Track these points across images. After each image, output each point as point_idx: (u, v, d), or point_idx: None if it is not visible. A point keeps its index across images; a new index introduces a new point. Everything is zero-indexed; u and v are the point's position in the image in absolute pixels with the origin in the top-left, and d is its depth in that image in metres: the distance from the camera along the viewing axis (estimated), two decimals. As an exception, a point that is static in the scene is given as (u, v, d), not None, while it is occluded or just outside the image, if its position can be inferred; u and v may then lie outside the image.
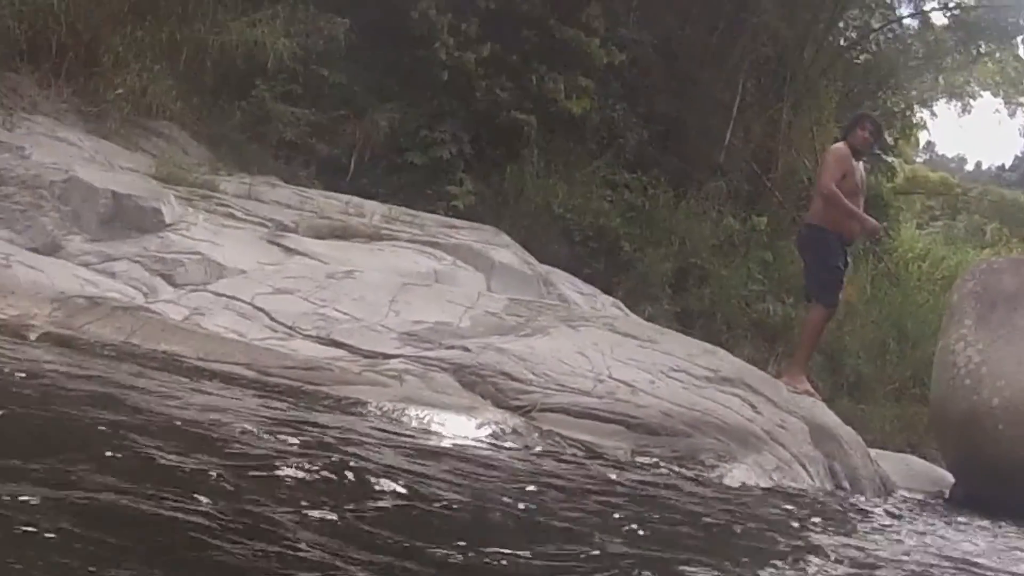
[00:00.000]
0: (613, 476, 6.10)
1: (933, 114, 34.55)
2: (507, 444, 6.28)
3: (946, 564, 5.45)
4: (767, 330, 19.38)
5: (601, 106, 19.26)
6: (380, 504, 3.82)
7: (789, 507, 6.70)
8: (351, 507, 3.66)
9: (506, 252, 12.87)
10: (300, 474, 4.00)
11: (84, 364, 6.12)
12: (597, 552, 3.88)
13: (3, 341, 6.47)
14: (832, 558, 4.90)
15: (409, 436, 5.79)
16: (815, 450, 8.72)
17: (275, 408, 5.75)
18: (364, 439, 5.27)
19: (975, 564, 5.72)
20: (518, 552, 3.58)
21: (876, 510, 7.95)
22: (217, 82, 15.71)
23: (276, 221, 11.75)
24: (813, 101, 25.64)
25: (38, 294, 7.88)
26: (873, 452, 11.05)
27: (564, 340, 8.83)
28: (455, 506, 4.07)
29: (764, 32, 23.42)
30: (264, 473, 3.92)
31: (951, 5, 29.70)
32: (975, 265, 13.57)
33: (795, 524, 5.88)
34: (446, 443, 5.81)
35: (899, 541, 6.21)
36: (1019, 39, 30.29)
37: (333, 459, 4.42)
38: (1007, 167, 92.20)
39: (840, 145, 11.14)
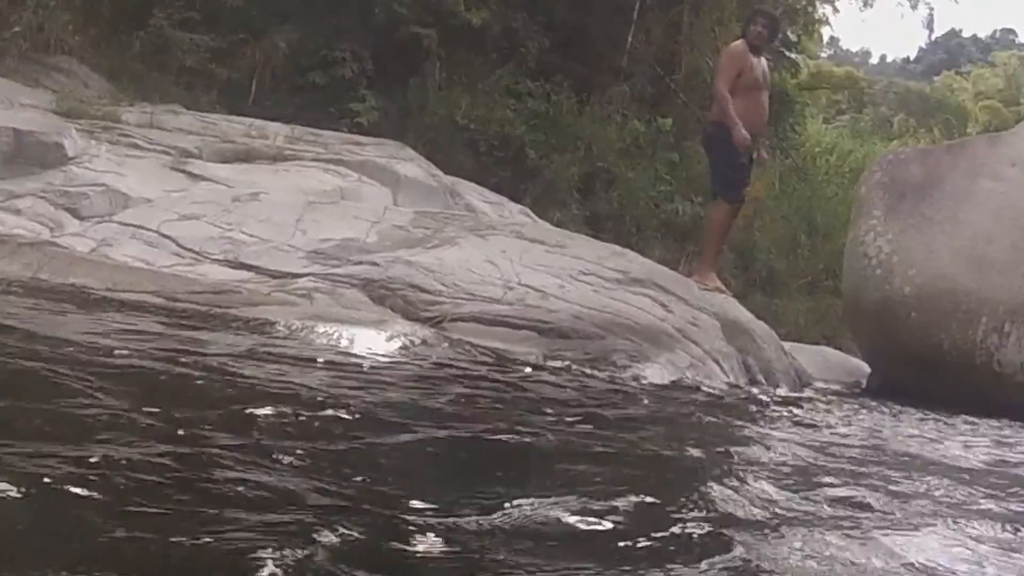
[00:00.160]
0: (521, 379, 6.17)
1: (835, 9, 34.44)
2: (417, 355, 6.34)
3: (849, 448, 5.56)
4: (677, 230, 19.44)
5: (501, 16, 19.14)
6: (272, 416, 3.84)
7: (701, 401, 6.81)
8: (245, 425, 3.68)
9: (411, 166, 12.88)
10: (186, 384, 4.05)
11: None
12: (501, 456, 3.93)
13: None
14: (741, 450, 5.00)
15: (317, 351, 5.84)
16: (728, 346, 8.84)
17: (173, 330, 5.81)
18: (263, 356, 5.32)
19: (880, 448, 5.85)
20: (417, 461, 3.64)
21: (790, 402, 8.07)
22: (114, 13, 15.61)
23: (180, 148, 11.71)
24: (714, 1, 25.65)
25: (-58, 235, 7.86)
26: (788, 345, 11.20)
27: (472, 249, 8.90)
28: (348, 414, 4.10)
29: (662, -68, 23.34)
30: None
31: None
32: (882, 157, 13.72)
33: (707, 418, 5.96)
34: (353, 358, 5.85)
35: (811, 429, 6.32)
36: (922, -70, 30.42)
37: (223, 376, 4.48)
38: (911, 59, 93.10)
39: (736, 44, 11.20)
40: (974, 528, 3.64)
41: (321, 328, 6.35)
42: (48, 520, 2.42)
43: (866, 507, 3.72)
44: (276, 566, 2.25)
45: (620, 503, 3.16)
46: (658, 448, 4.54)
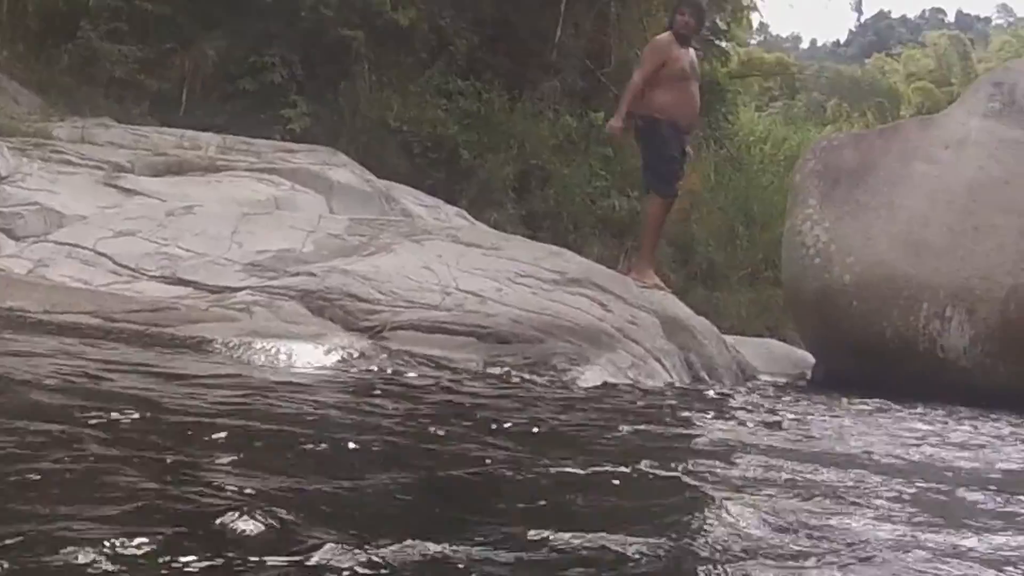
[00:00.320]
0: (457, 389, 6.20)
1: (764, -6, 34.72)
2: (355, 368, 6.37)
3: (794, 445, 5.60)
4: (614, 226, 19.50)
5: (429, 14, 19.14)
6: (212, 441, 3.85)
7: (641, 402, 6.85)
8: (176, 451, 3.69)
9: (344, 171, 12.88)
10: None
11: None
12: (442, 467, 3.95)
13: None
14: (681, 448, 5.04)
15: (254, 370, 5.87)
16: (669, 343, 8.86)
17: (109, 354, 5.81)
18: (199, 379, 5.34)
19: (814, 440, 5.91)
20: (359, 475, 3.65)
21: (732, 398, 8.12)
22: (41, 26, 15.56)
23: (112, 163, 11.67)
24: (642, -9, 25.72)
25: None
26: (732, 339, 11.26)
27: (408, 256, 8.90)
28: (286, 435, 4.11)
29: (585, -77, 23.38)
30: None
31: None
32: (816, 144, 13.78)
33: (646, 417, 6.00)
34: (290, 375, 5.88)
35: (747, 425, 6.36)
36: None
37: (162, 403, 4.49)
38: (842, 42, 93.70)
39: (662, 36, 11.21)
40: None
41: (258, 344, 6.38)
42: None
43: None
44: None
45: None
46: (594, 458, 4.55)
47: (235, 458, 3.51)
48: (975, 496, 4.29)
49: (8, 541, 2.41)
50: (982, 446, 6.29)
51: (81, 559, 2.34)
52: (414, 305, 7.82)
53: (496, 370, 7.07)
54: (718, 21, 29.72)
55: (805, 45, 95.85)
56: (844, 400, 8.84)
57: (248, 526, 2.65)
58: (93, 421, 3.84)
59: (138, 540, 2.46)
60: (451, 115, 18.56)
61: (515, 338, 7.58)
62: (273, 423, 4.27)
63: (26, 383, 4.54)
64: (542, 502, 3.49)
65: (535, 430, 4.97)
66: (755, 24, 42.15)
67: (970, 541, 3.45)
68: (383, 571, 2.50)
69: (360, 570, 2.47)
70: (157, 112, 15.62)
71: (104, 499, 2.87)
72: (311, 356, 6.40)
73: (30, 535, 2.47)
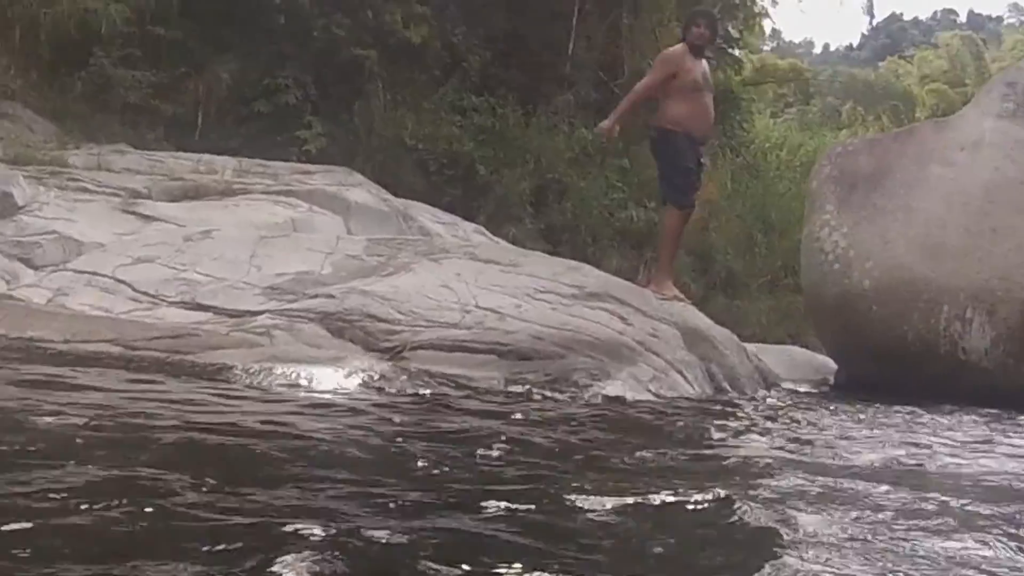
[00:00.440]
0: (479, 408, 6.17)
1: (774, 1, 34.68)
2: (375, 390, 6.36)
3: (814, 452, 5.57)
4: (633, 237, 19.50)
5: (441, 31, 19.20)
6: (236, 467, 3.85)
7: (663, 416, 6.80)
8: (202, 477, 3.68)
9: (361, 191, 12.88)
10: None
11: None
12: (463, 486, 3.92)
13: None
14: (707, 461, 5.01)
15: (275, 395, 5.87)
16: (690, 354, 8.81)
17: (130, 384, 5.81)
18: (221, 404, 5.34)
19: (835, 447, 5.87)
20: (387, 493, 3.63)
21: (756, 408, 8.07)
22: (54, 54, 15.58)
23: (129, 189, 11.69)
24: (653, 2, 25.68)
25: None
26: (753, 347, 11.20)
27: (427, 274, 8.89)
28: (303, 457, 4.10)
29: (597, -65, 23.39)
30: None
31: None
32: (831, 149, 13.73)
33: (670, 433, 5.97)
34: (311, 400, 5.87)
35: (780, 439, 6.32)
36: (853, -88, 30.58)
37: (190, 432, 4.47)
38: (855, 46, 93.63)
39: (675, 47, 11.17)
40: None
41: (279, 369, 6.37)
42: None
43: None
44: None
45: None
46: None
47: (264, 493, 3.50)
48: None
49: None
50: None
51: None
52: (434, 324, 7.79)
53: (517, 388, 7.02)
54: (731, 29, 29.73)
55: (818, 50, 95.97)
56: (869, 408, 8.78)
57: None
58: (121, 459, 3.83)
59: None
60: (466, 131, 18.59)
61: (536, 354, 7.54)
62: (298, 451, 4.25)
63: (55, 415, 4.53)
64: (590, 538, 3.43)
65: (557, 450, 4.94)
66: (767, 31, 42.15)
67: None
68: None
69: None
70: (172, 137, 15.65)
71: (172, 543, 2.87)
72: (331, 380, 6.37)
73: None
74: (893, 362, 10.88)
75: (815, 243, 11.79)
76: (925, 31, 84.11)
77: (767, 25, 38.40)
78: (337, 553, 2.72)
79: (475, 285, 8.65)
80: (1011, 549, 3.43)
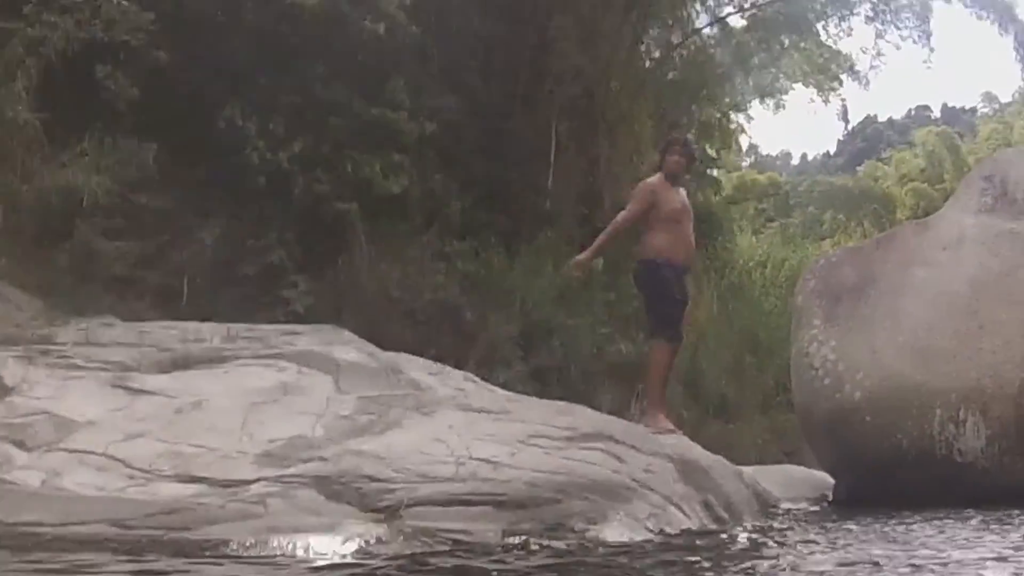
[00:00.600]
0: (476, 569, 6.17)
1: (749, 117, 35.07)
2: (373, 554, 6.37)
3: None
4: (624, 371, 19.47)
5: (420, 180, 19.36)
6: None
7: (662, 558, 6.81)
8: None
9: (350, 349, 12.86)
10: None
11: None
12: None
13: None
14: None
15: (271, 568, 5.88)
16: (686, 487, 8.89)
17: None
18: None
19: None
20: None
21: (744, 536, 8.10)
22: (38, 229, 15.65)
23: (117, 363, 11.65)
24: (628, 129, 25.97)
25: None
26: (750, 469, 11.27)
27: (419, 429, 8.96)
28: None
29: (568, 72, 23.64)
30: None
31: (746, 6, 30.28)
32: (814, 262, 13.92)
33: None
34: (309, 571, 5.88)
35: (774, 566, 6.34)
36: (819, 26, 30.95)
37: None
38: (832, 153, 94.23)
39: (651, 178, 11.29)
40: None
41: (275, 541, 6.39)
42: None
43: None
44: None
45: None
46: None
47: None
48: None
49: None
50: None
51: None
52: (428, 479, 7.82)
53: (515, 539, 7.05)
54: (708, 149, 30.08)
55: (796, 160, 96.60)
56: (867, 522, 8.81)
57: None
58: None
59: None
60: (451, 278, 18.67)
61: (532, 502, 7.57)
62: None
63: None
64: None
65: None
66: (744, 146, 42.58)
67: None
68: None
69: None
70: (159, 306, 15.66)
71: None
72: (328, 547, 6.39)
73: None
74: (890, 471, 10.94)
75: (804, 359, 11.91)
76: (901, 130, 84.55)
77: (744, 141, 38.84)
78: None
79: (468, 436, 8.71)
80: None
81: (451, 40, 21.56)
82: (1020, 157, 13.34)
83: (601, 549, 7.03)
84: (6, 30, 15.34)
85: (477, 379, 14.07)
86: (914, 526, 8.45)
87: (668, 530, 7.89)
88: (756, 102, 33.93)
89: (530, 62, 23.37)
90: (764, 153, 71.88)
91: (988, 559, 6.08)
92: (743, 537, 8.05)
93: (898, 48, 32.35)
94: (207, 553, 6.25)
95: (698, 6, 29.87)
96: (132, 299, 15.62)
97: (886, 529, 8.42)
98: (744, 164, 48.64)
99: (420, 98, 19.94)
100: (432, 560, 6.35)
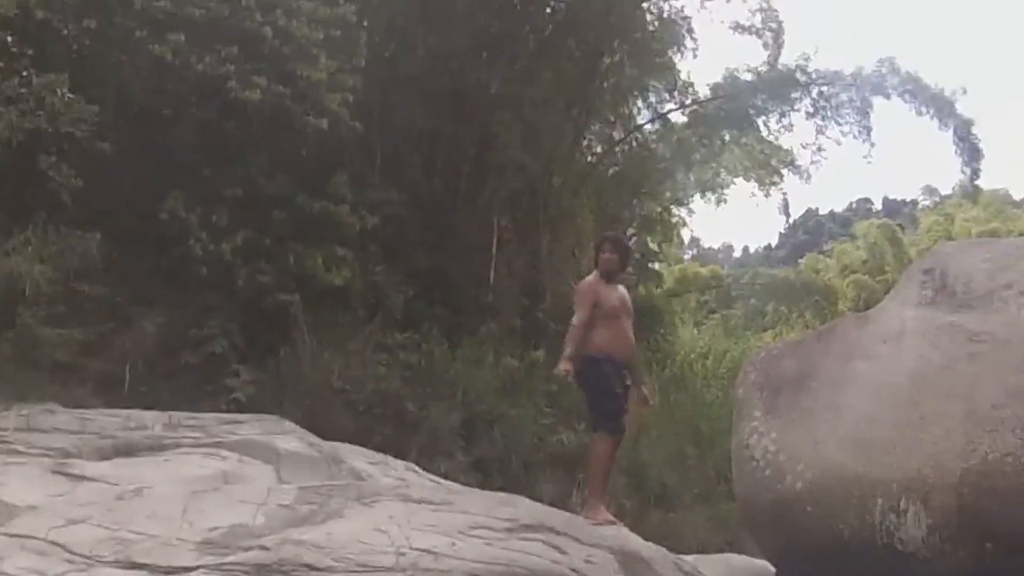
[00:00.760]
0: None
1: (690, 211, 35.31)
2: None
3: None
4: (565, 461, 19.55)
5: (362, 272, 19.50)
6: None
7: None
8: None
9: (291, 439, 12.93)
10: None
11: None
12: None
13: None
14: None
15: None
16: (626, 578, 8.95)
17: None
18: None
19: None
20: None
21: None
22: (-20, 318, 15.66)
23: (59, 449, 11.68)
24: (570, 224, 26.21)
25: None
26: (692, 558, 11.35)
27: (360, 519, 8.99)
28: None
29: (510, 167, 23.87)
30: None
31: (687, 103, 30.65)
32: (755, 355, 13.97)
33: None
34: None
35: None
36: (760, 122, 31.33)
37: None
38: (773, 245, 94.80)
39: (587, 278, 11.40)
40: None
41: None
42: None
43: None
44: None
45: None
46: None
47: None
48: None
49: None
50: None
51: None
52: (368, 569, 7.86)
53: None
54: (650, 243, 30.32)
55: (738, 253, 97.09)
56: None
57: None
58: None
59: None
60: (393, 369, 18.75)
61: (473, 593, 7.64)
62: None
63: None
64: None
65: None
66: (686, 239, 42.84)
67: None
68: None
69: None
70: (101, 393, 15.66)
71: None
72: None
73: None
74: (831, 561, 10.97)
75: (745, 450, 11.95)
76: (842, 223, 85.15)
77: (685, 234, 39.13)
78: None
79: (408, 526, 8.75)
80: None
81: (394, 136, 21.85)
82: (960, 251, 13.48)
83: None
84: (-52, 121, 15.43)
85: (419, 469, 14.17)
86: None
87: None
88: (697, 196, 34.35)
89: (473, 158, 23.64)
90: (706, 246, 72.22)
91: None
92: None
93: (839, 143, 32.81)
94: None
95: (640, 103, 30.35)
96: (74, 386, 15.60)
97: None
98: (686, 257, 48.94)
99: (363, 192, 20.19)
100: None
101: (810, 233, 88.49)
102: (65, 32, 16.91)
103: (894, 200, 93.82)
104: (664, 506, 20.43)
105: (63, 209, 16.12)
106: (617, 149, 29.73)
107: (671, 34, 28.60)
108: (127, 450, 12.08)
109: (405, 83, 22.11)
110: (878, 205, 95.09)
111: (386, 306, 19.87)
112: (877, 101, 30.66)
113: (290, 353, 17.88)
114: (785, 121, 31.43)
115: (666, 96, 30.60)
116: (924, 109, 30.48)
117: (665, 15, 28.67)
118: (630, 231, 30.05)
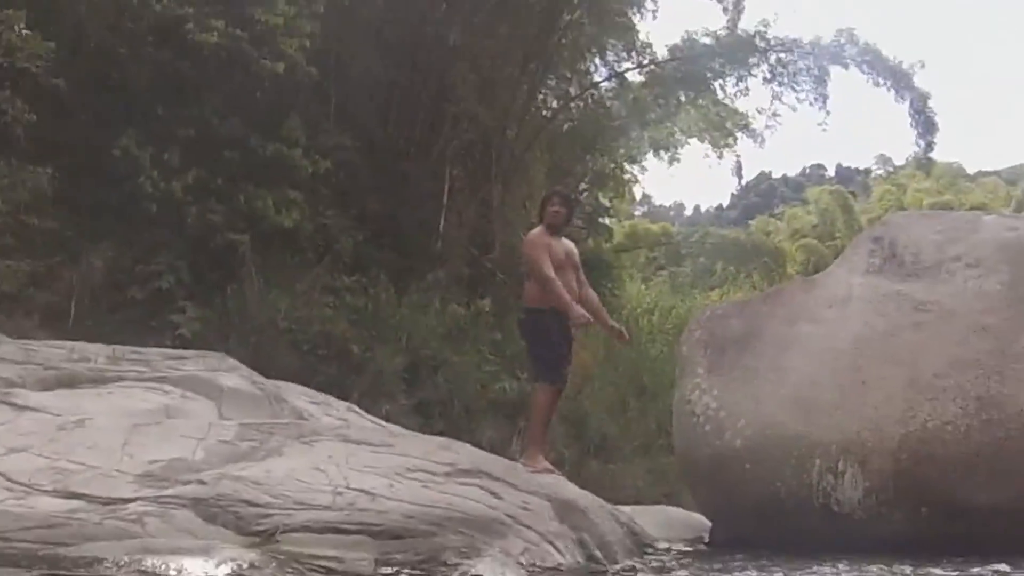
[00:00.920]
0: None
1: (643, 168, 35.30)
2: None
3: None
4: (506, 408, 19.69)
5: (313, 215, 19.51)
6: None
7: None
8: None
9: (234, 376, 12.95)
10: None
11: None
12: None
13: None
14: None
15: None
16: (561, 525, 8.96)
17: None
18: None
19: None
20: None
21: (614, 574, 8.29)
22: (-72, 245, 15.63)
23: (2, 379, 11.67)
24: (522, 176, 26.20)
25: None
26: (629, 508, 11.43)
27: (299, 457, 9.04)
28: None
29: (465, 118, 23.90)
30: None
31: (645, 63, 30.61)
32: (700, 313, 14.00)
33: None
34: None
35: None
36: (717, 85, 31.35)
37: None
38: (725, 206, 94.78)
39: (533, 232, 11.42)
40: None
41: (149, 561, 6.46)
42: None
43: None
44: None
45: None
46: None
47: None
48: None
49: None
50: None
51: None
52: (305, 506, 7.89)
53: (387, 569, 7.16)
54: (601, 198, 30.32)
55: (689, 212, 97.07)
56: (737, 566, 8.99)
57: None
58: None
59: None
60: (339, 311, 18.82)
61: (407, 533, 7.66)
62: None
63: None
64: None
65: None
66: (638, 196, 42.81)
67: None
68: None
69: None
70: (47, 325, 15.66)
71: None
72: (201, 570, 6.46)
73: None
74: (768, 518, 11.05)
75: (687, 406, 12.01)
76: (795, 187, 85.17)
77: (637, 191, 39.11)
78: None
79: (347, 467, 8.80)
80: None
81: (350, 83, 21.81)
82: (911, 221, 13.54)
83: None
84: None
85: (360, 410, 14.19)
86: (777, 572, 8.65)
87: (541, 566, 8.01)
88: (651, 154, 34.31)
89: (428, 107, 23.62)
90: (657, 204, 72.32)
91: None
92: (612, 574, 8.24)
93: (794, 110, 32.81)
94: (82, 570, 6.33)
95: (597, 61, 30.27)
96: (20, 317, 15.60)
97: (750, 573, 8.64)
98: (637, 213, 49.00)
99: (317, 137, 20.22)
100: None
101: (762, 196, 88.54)
102: (22, -32, 16.80)
103: (848, 168, 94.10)
104: (603, 457, 20.57)
105: (15, 143, 16.08)
106: (572, 105, 29.68)
107: (631, -6, 28.54)
108: (70, 382, 12.09)
109: (363, 31, 22.04)
110: (831, 172, 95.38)
111: (335, 249, 19.90)
112: (835, 70, 30.70)
113: (237, 291, 17.92)
114: (742, 85, 31.39)
115: (624, 55, 30.47)
116: (882, 80, 30.54)
117: (626, -25, 28.57)
118: (582, 186, 30.13)
